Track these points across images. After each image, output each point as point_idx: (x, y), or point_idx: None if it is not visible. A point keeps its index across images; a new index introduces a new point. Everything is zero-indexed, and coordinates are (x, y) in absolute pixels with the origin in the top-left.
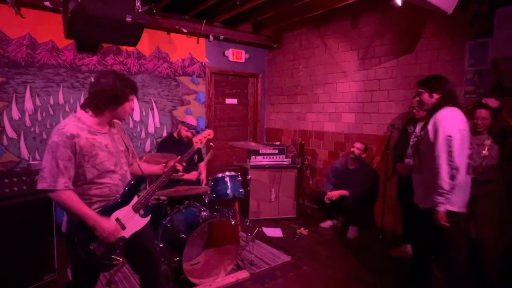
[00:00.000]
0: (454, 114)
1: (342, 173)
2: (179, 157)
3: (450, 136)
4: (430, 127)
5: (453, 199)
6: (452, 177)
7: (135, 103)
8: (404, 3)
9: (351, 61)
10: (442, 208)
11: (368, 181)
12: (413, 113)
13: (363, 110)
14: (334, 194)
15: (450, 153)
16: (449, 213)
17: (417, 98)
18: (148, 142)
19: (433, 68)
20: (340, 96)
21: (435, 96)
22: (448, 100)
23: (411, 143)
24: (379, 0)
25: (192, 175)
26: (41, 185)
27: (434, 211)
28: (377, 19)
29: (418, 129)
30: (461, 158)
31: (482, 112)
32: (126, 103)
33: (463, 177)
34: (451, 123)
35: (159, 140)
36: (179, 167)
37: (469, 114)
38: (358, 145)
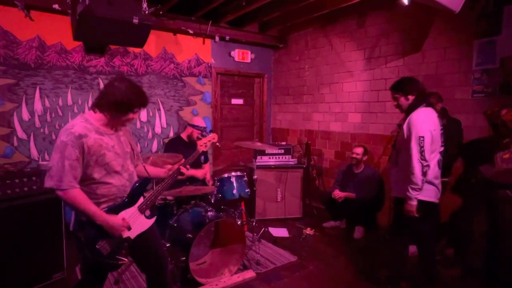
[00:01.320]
0: (426, 115)
1: (348, 176)
2: (183, 160)
3: (422, 137)
4: (405, 126)
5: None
6: (424, 174)
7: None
8: (410, 2)
9: (357, 60)
10: (414, 202)
11: (373, 186)
12: None
13: (370, 110)
14: (341, 195)
15: (422, 152)
16: (420, 201)
17: (395, 103)
18: (155, 143)
19: (440, 67)
20: (346, 95)
21: (410, 98)
22: (421, 100)
23: None
24: None
25: (199, 172)
26: (48, 183)
27: (406, 203)
28: (383, 18)
29: None
30: (430, 156)
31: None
32: (130, 114)
33: (434, 171)
34: (423, 125)
35: (166, 140)
36: (184, 170)
37: (494, 116)
38: (356, 150)
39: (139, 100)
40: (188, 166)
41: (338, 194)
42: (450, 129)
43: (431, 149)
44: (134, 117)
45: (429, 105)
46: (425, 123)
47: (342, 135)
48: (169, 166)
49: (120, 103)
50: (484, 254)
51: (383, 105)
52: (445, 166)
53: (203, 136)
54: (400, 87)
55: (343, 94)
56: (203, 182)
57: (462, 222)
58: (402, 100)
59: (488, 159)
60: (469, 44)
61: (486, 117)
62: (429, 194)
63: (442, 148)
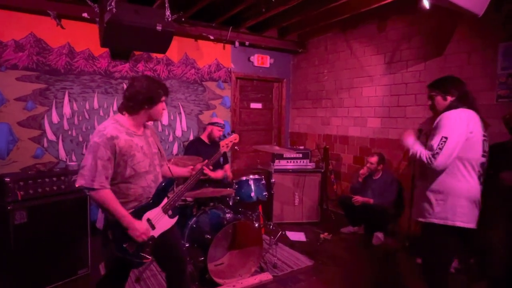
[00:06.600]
0: (461, 115)
1: (367, 182)
2: (206, 160)
3: (445, 138)
4: (434, 127)
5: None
6: (429, 160)
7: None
8: (432, 6)
9: (378, 65)
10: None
11: (391, 192)
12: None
13: (389, 115)
14: (359, 199)
15: (435, 154)
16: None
17: (429, 102)
18: (176, 145)
19: (464, 72)
20: (366, 100)
21: (449, 98)
22: (463, 101)
23: None
24: (406, 3)
25: (218, 174)
26: (79, 182)
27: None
28: (405, 23)
29: None
30: (450, 160)
31: None
32: (159, 104)
33: (472, 188)
34: (452, 124)
35: (186, 143)
36: (207, 171)
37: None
38: (371, 159)
39: (162, 87)
40: (211, 166)
41: (355, 198)
42: None
43: (464, 156)
44: (164, 107)
45: (471, 108)
46: (456, 123)
47: (361, 139)
48: (192, 167)
49: (149, 97)
50: (506, 264)
51: (403, 110)
52: None
53: (225, 136)
54: (440, 84)
55: (363, 98)
56: (222, 183)
57: (481, 231)
58: (439, 99)
59: (509, 165)
60: (494, 48)
61: (504, 121)
62: (445, 215)
63: (483, 159)
